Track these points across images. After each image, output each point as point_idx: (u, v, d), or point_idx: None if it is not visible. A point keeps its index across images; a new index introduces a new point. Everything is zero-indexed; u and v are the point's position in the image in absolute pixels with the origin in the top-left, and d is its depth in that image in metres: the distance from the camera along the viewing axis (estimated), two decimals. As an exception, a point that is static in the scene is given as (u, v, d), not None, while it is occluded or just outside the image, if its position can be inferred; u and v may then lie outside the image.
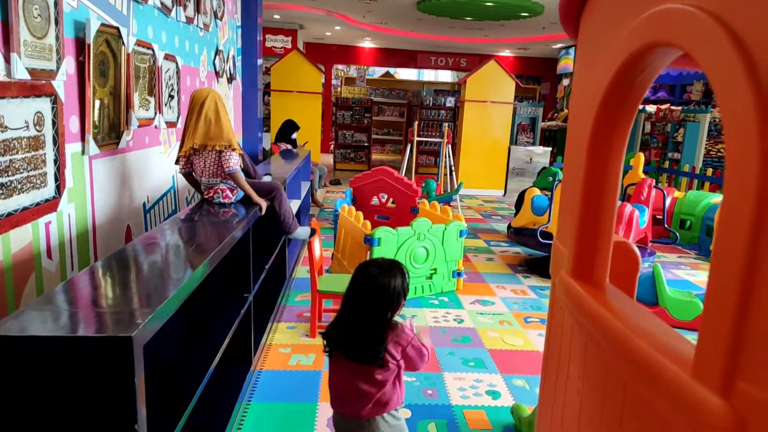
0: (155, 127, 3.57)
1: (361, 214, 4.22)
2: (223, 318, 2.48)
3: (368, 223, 3.98)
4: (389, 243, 3.92)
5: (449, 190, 7.63)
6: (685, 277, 5.30)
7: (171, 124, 3.87)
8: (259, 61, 6.56)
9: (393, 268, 1.76)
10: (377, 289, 1.70)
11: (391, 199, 5.59)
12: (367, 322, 1.69)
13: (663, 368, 0.72)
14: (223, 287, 2.73)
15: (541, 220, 5.11)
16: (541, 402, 1.38)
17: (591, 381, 0.97)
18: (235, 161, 2.90)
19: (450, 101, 12.23)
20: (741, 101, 0.62)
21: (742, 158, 0.62)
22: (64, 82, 2.40)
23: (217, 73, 5.29)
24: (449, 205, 7.68)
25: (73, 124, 2.55)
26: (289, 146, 7.34)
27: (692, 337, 0.88)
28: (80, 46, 2.57)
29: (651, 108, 13.29)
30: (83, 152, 2.66)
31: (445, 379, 3.02)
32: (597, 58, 1.01)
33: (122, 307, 1.47)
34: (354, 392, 1.72)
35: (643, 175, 7.12)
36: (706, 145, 10.56)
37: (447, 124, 8.69)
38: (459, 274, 4.45)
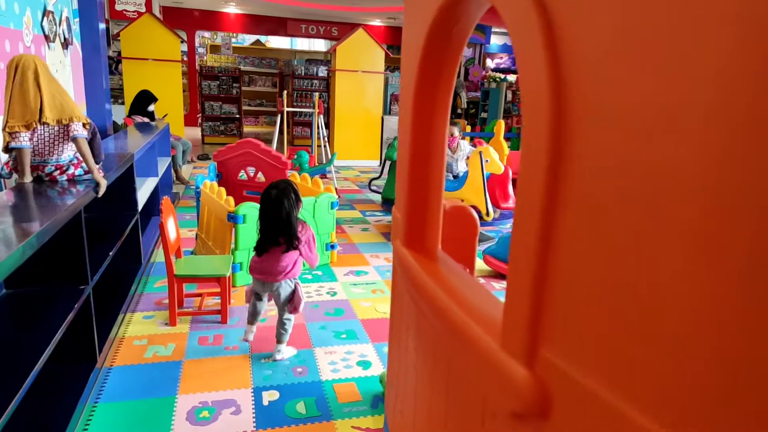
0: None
1: (224, 189, 3.96)
2: (56, 313, 2.17)
3: (231, 199, 3.75)
4: (255, 219, 3.72)
5: (324, 162, 7.51)
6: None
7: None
8: (102, 25, 5.85)
9: (286, 183, 2.79)
10: (284, 195, 2.71)
11: (260, 173, 5.34)
12: (284, 218, 2.71)
13: (476, 339, 0.67)
14: (57, 279, 2.40)
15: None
16: (388, 373, 1.34)
17: (423, 353, 0.93)
18: (80, 127, 2.64)
19: (323, 71, 11.99)
20: (531, 36, 0.57)
21: (535, 99, 0.57)
22: None
23: (47, 37, 4.60)
24: (325, 177, 7.57)
25: None
26: (146, 119, 6.72)
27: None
28: None
29: (512, 77, 14.13)
30: None
31: (315, 354, 2.96)
32: (417, 10, 0.94)
33: None
34: (272, 268, 2.77)
35: (504, 142, 7.54)
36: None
37: (318, 94, 8.49)
38: (332, 247, 4.38)
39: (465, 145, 5.81)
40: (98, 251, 2.83)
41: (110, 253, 2.83)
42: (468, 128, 9.83)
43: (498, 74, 14.03)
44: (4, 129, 2.54)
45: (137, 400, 2.46)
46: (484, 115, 13.45)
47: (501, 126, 7.35)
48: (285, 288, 2.82)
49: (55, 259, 2.38)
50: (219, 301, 3.41)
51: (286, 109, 6.96)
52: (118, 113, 8.17)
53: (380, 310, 3.58)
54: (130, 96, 8.24)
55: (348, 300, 3.72)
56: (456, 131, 5.77)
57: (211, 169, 5.16)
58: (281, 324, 2.87)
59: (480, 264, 4.61)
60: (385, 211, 6.38)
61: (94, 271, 2.54)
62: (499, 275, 4.35)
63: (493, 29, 13.27)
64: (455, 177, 5.60)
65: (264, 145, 5.20)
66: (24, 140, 2.54)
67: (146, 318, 3.27)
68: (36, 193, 2.46)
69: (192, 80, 13.36)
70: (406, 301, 1.08)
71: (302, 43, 17.78)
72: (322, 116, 7.40)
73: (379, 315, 3.51)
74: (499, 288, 4.12)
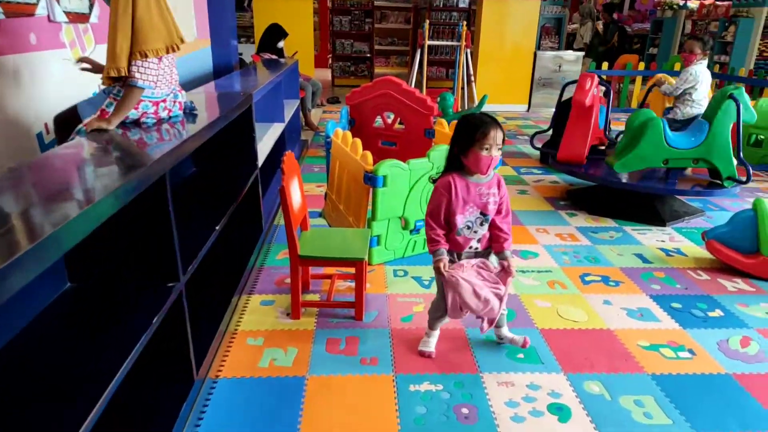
0: (49, 19, 2.41)
1: (359, 141, 3.12)
2: (135, 319, 1.49)
3: (369, 154, 2.89)
4: (399, 181, 2.85)
5: (467, 107, 6.40)
6: None
7: (78, 17, 2.69)
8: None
9: None
10: None
11: (398, 120, 4.45)
12: None
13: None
14: (142, 269, 1.72)
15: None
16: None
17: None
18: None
19: (464, 1, 10.59)
20: None
21: None
22: None
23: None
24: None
25: None
26: (274, 56, 6.08)
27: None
28: None
29: (693, 4, 11.55)
30: None
31: (485, 383, 2.07)
32: None
33: None
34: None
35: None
36: (759, 45, 9.09)
37: (464, 23, 7.24)
38: (490, 217, 3.40)
39: (696, 72, 4.16)
40: (203, 223, 2.14)
41: (216, 228, 2.11)
42: (641, 65, 8.05)
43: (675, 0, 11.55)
44: (119, 60, 1.87)
45: (244, 441, 1.77)
46: (653, 50, 11.24)
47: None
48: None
49: (140, 242, 1.70)
50: (353, 286, 2.63)
51: (427, 42, 5.90)
52: (248, 53, 7.68)
53: (566, 316, 2.58)
54: (260, 33, 7.71)
55: (518, 295, 2.76)
56: (698, 48, 4.15)
57: (343, 114, 4.35)
58: None
59: (698, 251, 3.37)
60: (548, 168, 5.21)
61: (190, 259, 1.83)
62: (727, 267, 3.09)
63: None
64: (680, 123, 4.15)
65: (406, 85, 4.25)
66: (151, 75, 1.96)
67: (264, 304, 2.59)
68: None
69: (323, 19, 12.68)
70: None
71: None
72: (469, 50, 6.24)
73: (564, 324, 2.51)
74: (732, 289, 2.88)
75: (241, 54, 6.62)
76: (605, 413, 1.93)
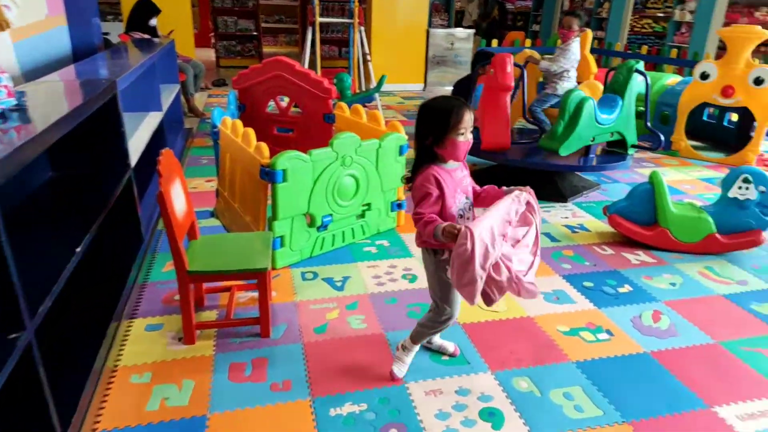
0: None
1: (251, 131, 2.77)
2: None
3: (264, 146, 2.56)
4: (301, 175, 2.56)
5: (364, 88, 6.19)
6: (655, 178, 4.46)
7: None
8: None
9: None
10: None
11: (294, 104, 4.11)
12: None
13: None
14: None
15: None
16: None
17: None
18: None
19: (352, -23, 10.26)
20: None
21: None
22: None
23: None
24: (366, 107, 6.28)
25: None
26: (147, 35, 5.42)
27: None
28: None
29: (570, -18, 12.13)
30: None
31: (412, 395, 1.88)
32: None
33: None
34: None
35: (590, 56, 6.09)
36: (631, 20, 9.73)
37: (355, 1, 6.95)
38: (400, 206, 3.23)
39: (575, 49, 4.32)
40: (63, 242, 1.72)
41: (77, 249, 1.71)
42: (528, 42, 8.28)
43: (553, -22, 12.03)
44: None
45: None
46: (536, 27, 11.69)
47: (588, 37, 5.88)
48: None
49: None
50: (257, 296, 2.33)
51: (319, 19, 5.56)
52: (116, 32, 6.84)
53: (487, 306, 2.47)
54: (128, 10, 6.88)
55: (435, 288, 2.61)
56: (575, 24, 4.26)
57: (231, 99, 3.93)
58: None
59: (600, 225, 3.43)
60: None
61: (41, 296, 1.43)
62: (628, 240, 3.17)
63: None
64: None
65: (299, 66, 3.91)
66: None
67: (150, 329, 2.21)
68: None
69: (202, -7, 11.75)
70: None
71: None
72: (362, 28, 5.99)
73: (486, 315, 2.40)
74: (636, 262, 2.95)
75: (106, 34, 5.82)
76: (537, 413, 1.83)
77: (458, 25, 11.41)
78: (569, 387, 1.96)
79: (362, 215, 3.03)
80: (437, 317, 1.87)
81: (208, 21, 11.61)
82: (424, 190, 1.67)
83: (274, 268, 2.66)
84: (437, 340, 2.13)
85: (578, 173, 4.23)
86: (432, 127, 1.67)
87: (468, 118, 1.65)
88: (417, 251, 2.97)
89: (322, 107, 3.86)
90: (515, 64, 3.68)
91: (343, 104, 3.73)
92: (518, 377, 2.00)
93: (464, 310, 2.41)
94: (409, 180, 1.76)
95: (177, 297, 2.35)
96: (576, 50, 4.28)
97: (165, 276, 2.61)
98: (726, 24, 7.22)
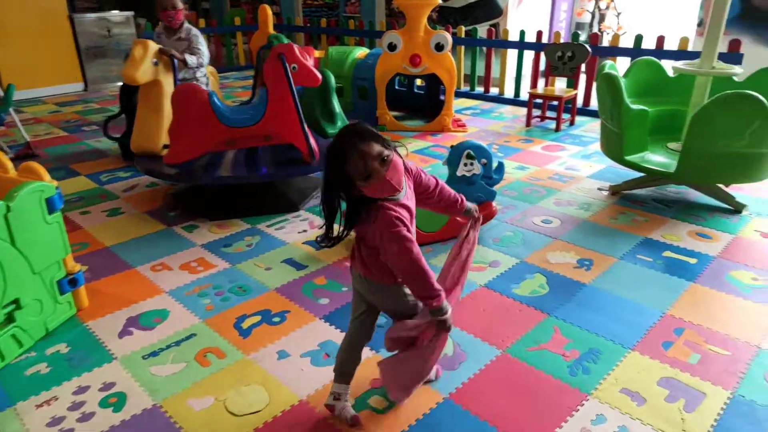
0: None
1: None
2: None
3: None
4: None
5: (-11, 101, 4.44)
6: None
7: None
8: None
9: None
10: None
11: None
12: None
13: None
14: None
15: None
16: None
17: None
18: None
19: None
20: None
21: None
22: None
23: None
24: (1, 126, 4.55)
25: None
26: None
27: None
28: None
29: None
30: None
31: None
32: None
33: None
34: None
35: (274, 32, 5.58)
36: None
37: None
38: (74, 282, 2.16)
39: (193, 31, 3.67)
40: None
41: None
42: (202, 22, 7.36)
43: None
44: None
45: None
46: (205, 5, 10.70)
47: (267, 13, 5.32)
48: None
49: None
50: None
51: None
52: None
53: (244, 410, 1.73)
54: None
55: (158, 406, 1.74)
56: (179, 2, 3.57)
57: None
58: None
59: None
60: (135, 167, 4.01)
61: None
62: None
63: None
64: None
65: None
66: None
67: None
68: None
69: None
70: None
71: None
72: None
73: (247, 422, 1.67)
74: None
75: None
76: None
77: (114, 6, 9.61)
78: None
79: (9, 319, 1.90)
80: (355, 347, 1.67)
81: None
82: (399, 235, 1.36)
83: None
84: None
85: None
86: (349, 176, 1.34)
87: (370, 142, 1.31)
88: (121, 348, 2.00)
89: None
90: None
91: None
92: None
93: (210, 429, 1.63)
94: (333, 239, 1.47)
95: None
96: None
97: None
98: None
